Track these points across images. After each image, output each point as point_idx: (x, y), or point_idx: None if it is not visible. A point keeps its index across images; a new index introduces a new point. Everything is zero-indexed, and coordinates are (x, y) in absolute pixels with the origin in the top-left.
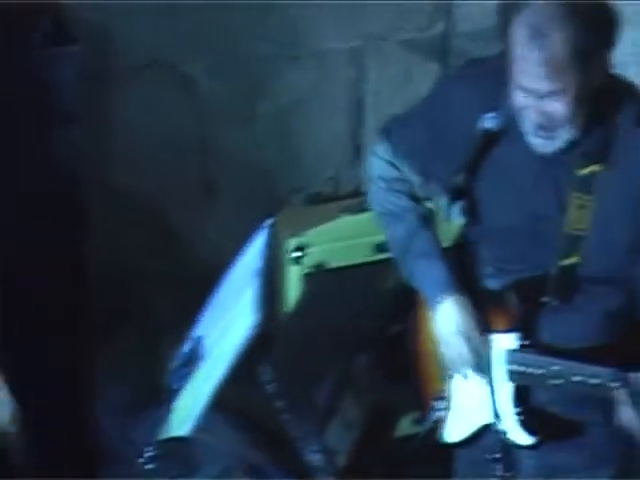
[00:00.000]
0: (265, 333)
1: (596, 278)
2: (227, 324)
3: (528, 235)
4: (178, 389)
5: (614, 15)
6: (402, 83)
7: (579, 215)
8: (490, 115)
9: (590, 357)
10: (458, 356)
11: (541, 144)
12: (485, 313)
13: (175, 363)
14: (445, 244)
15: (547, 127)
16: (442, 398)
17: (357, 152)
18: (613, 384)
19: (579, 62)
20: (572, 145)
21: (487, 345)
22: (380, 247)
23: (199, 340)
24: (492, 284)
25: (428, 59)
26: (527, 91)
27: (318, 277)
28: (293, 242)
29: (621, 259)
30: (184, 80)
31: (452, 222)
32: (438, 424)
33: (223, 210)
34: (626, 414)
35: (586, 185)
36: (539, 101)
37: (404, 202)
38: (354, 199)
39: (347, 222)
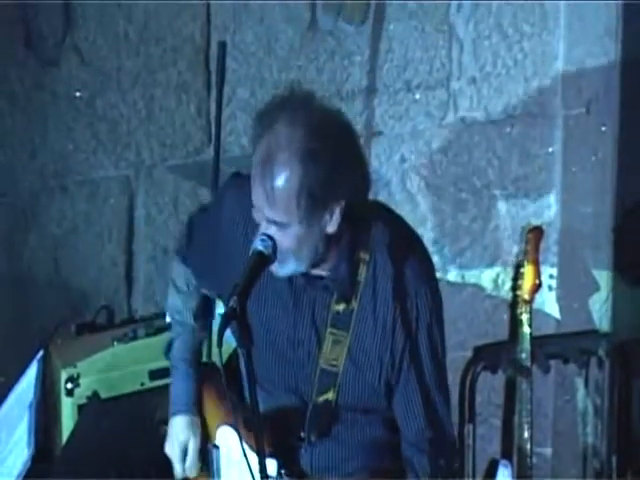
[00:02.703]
0: (41, 466)
1: (354, 407)
2: (1, 459)
3: (290, 363)
4: None
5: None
6: (173, 209)
7: (334, 350)
8: (262, 237)
9: None
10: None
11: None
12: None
13: None
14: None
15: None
16: None
17: (129, 280)
18: None
19: (306, 206)
20: (326, 281)
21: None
22: (154, 374)
23: None
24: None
25: (198, 184)
26: (257, 211)
27: (92, 408)
28: (65, 373)
29: (376, 392)
30: None
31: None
32: None
33: None
34: None
35: (341, 321)
36: (268, 224)
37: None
38: (127, 327)
39: (120, 351)
